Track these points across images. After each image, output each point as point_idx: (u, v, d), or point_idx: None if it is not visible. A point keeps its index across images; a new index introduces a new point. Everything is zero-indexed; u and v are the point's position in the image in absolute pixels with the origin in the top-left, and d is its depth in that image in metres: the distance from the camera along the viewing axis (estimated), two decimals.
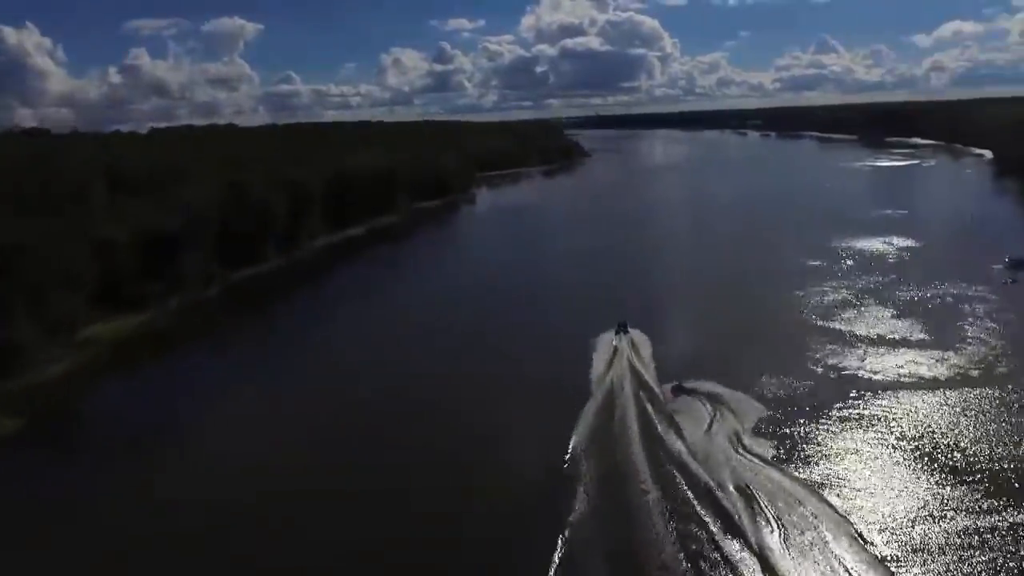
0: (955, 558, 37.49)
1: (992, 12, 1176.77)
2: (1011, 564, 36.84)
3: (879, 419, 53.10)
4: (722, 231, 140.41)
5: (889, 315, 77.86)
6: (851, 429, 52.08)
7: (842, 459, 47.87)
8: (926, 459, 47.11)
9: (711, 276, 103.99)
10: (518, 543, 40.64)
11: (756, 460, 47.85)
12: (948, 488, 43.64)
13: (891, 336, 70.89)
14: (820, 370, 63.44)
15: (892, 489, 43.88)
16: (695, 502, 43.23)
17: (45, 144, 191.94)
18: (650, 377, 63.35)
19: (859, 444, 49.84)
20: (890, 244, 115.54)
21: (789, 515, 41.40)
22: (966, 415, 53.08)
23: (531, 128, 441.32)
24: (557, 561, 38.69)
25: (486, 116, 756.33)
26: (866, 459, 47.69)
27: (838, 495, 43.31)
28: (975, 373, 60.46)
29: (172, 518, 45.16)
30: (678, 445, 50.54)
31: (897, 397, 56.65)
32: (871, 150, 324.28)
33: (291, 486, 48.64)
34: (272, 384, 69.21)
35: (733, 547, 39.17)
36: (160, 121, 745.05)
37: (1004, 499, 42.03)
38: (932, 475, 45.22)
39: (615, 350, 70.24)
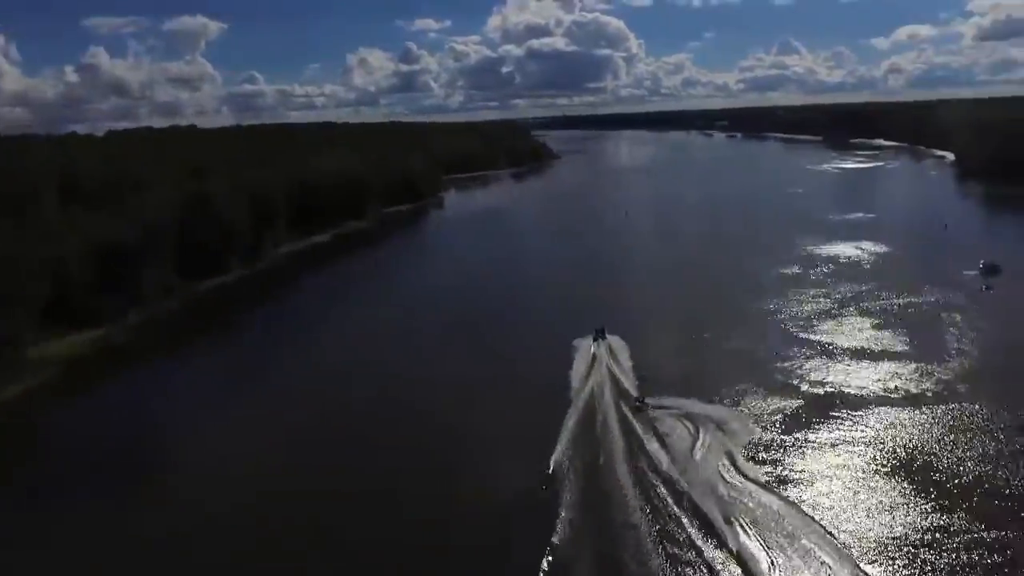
0: None
1: (947, 16, 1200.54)
2: None
3: (860, 439, 51.66)
4: (695, 236, 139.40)
5: (868, 325, 76.89)
6: (830, 449, 50.60)
7: (826, 480, 46.30)
8: (908, 480, 45.73)
9: (685, 283, 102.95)
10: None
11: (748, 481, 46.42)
12: (944, 515, 42.19)
13: (871, 348, 69.80)
14: (797, 383, 61.97)
15: (862, 500, 42.47)
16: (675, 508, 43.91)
17: None
18: (630, 385, 63.28)
19: (838, 465, 48.36)
20: (862, 249, 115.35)
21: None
22: (959, 433, 51.74)
23: (498, 129, 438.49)
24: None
25: (452, 116, 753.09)
26: (843, 477, 46.24)
27: (816, 508, 41.80)
28: (962, 388, 59.28)
29: (135, 551, 42.15)
30: (661, 456, 50.07)
31: (881, 414, 55.31)
32: (836, 151, 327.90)
33: (258, 513, 46.15)
34: (235, 402, 66.23)
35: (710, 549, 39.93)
36: (120, 121, 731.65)
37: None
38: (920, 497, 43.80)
39: (594, 357, 69.93)
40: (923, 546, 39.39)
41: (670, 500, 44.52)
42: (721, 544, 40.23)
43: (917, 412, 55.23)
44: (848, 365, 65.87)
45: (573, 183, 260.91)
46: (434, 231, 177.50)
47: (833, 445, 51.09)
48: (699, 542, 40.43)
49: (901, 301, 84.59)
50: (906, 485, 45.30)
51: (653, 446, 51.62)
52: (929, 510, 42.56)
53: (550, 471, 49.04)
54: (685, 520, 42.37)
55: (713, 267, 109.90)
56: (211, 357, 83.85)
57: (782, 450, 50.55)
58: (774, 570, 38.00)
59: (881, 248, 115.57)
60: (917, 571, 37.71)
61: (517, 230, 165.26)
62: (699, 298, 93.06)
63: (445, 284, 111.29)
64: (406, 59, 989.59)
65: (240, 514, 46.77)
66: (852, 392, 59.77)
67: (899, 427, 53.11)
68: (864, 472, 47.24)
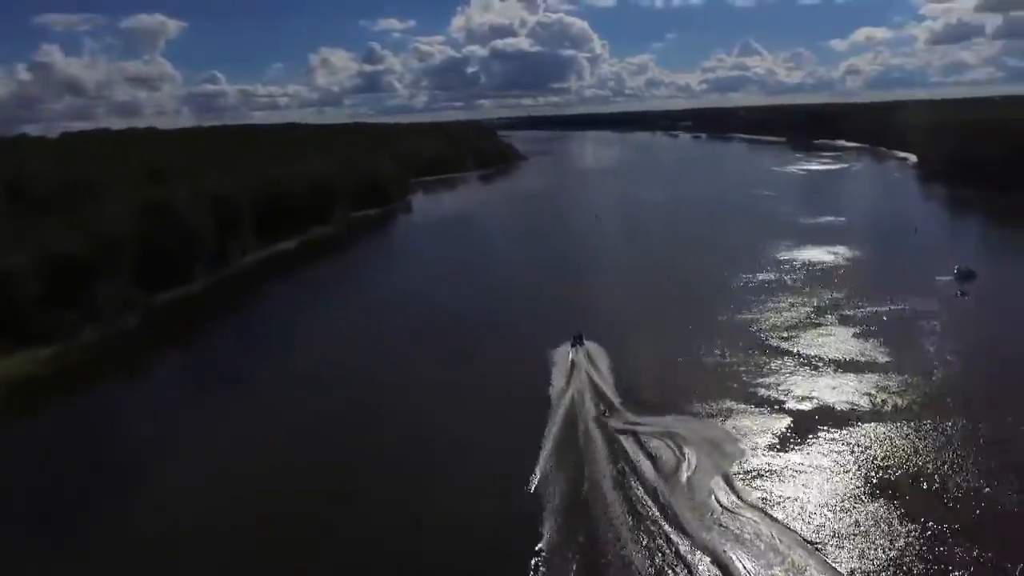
0: None
1: (902, 19, 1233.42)
2: None
3: (843, 458, 50.35)
4: (666, 240, 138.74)
5: (846, 334, 75.71)
6: (813, 470, 49.18)
7: (816, 504, 44.84)
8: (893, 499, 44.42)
9: (659, 289, 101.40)
10: None
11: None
12: (947, 540, 40.89)
13: (850, 358, 68.58)
14: (775, 396, 60.58)
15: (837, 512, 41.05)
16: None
17: None
18: (611, 393, 62.87)
19: (823, 487, 46.95)
20: (834, 254, 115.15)
21: None
22: (951, 449, 50.61)
23: (465, 130, 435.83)
24: None
25: (417, 117, 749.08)
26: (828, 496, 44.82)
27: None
28: (949, 400, 58.24)
29: None
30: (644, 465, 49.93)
31: (864, 430, 53.87)
32: (799, 152, 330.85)
33: (219, 548, 43.06)
34: (197, 422, 63.08)
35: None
36: (76, 121, 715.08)
37: None
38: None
39: (572, 364, 69.62)
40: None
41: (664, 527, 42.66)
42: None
43: (902, 427, 54.00)
44: (827, 377, 64.61)
45: (541, 185, 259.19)
46: (403, 236, 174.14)
47: (818, 466, 49.51)
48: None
49: (877, 308, 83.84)
50: (895, 506, 43.89)
51: (641, 461, 50.41)
52: (927, 535, 41.21)
53: (531, 490, 47.74)
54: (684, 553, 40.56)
55: (686, 272, 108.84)
56: (172, 374, 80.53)
57: (770, 471, 48.94)
58: None
59: (853, 252, 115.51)
60: None
61: (487, 234, 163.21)
62: (674, 304, 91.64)
63: (416, 290, 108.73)
64: (370, 59, 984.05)
65: (201, 547, 43.79)
66: (833, 406, 58.42)
67: (885, 444, 51.78)
68: (851, 494, 45.74)
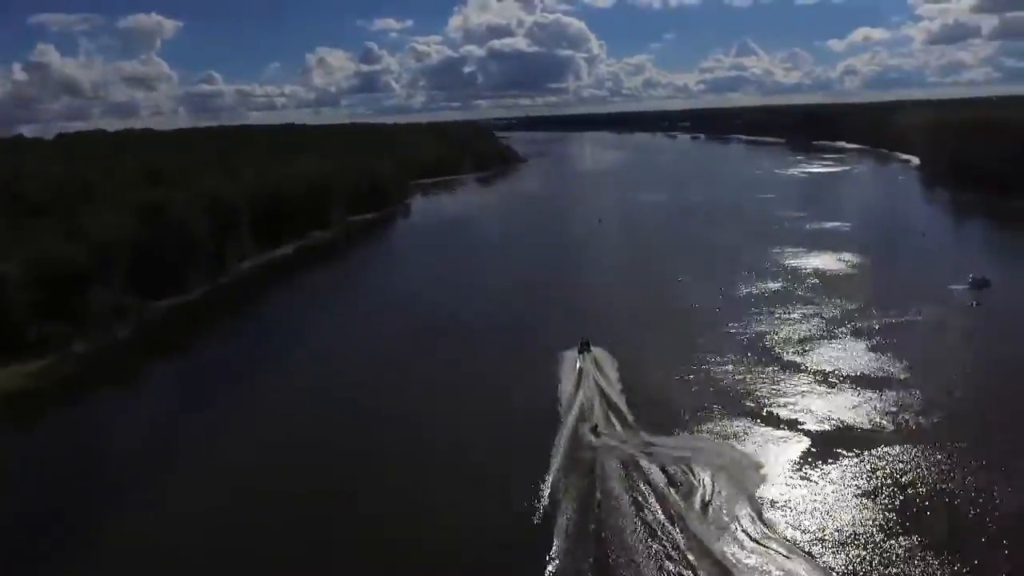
0: None
1: (899, 20, 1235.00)
2: None
3: (869, 483, 48.22)
4: (671, 246, 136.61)
5: (861, 347, 73.74)
6: (841, 500, 47.04)
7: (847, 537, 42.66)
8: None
9: (666, 296, 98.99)
10: None
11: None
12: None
13: (868, 374, 66.50)
14: (792, 415, 58.26)
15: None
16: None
17: None
18: (618, 399, 62.48)
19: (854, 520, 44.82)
20: (843, 261, 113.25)
21: None
22: (980, 474, 48.44)
23: (463, 129, 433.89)
24: None
25: (415, 117, 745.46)
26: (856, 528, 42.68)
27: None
28: (976, 421, 56.18)
29: None
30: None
31: (889, 453, 51.73)
32: (800, 154, 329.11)
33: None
34: (190, 439, 60.94)
35: None
36: (73, 121, 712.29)
37: None
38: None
39: (580, 371, 68.74)
40: None
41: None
42: None
43: (928, 451, 51.80)
44: (845, 394, 62.58)
45: (542, 189, 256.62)
46: (403, 241, 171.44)
47: (844, 495, 47.22)
48: None
49: (891, 320, 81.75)
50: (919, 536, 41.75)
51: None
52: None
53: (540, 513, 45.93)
54: None
55: (693, 279, 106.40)
56: (168, 386, 77.88)
57: (795, 501, 46.79)
58: None
59: (862, 259, 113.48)
60: None
61: (489, 240, 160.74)
62: (681, 313, 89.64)
63: (418, 298, 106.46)
64: (367, 59, 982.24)
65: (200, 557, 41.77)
66: (853, 426, 56.49)
67: (912, 470, 49.54)
68: (881, 526, 43.54)
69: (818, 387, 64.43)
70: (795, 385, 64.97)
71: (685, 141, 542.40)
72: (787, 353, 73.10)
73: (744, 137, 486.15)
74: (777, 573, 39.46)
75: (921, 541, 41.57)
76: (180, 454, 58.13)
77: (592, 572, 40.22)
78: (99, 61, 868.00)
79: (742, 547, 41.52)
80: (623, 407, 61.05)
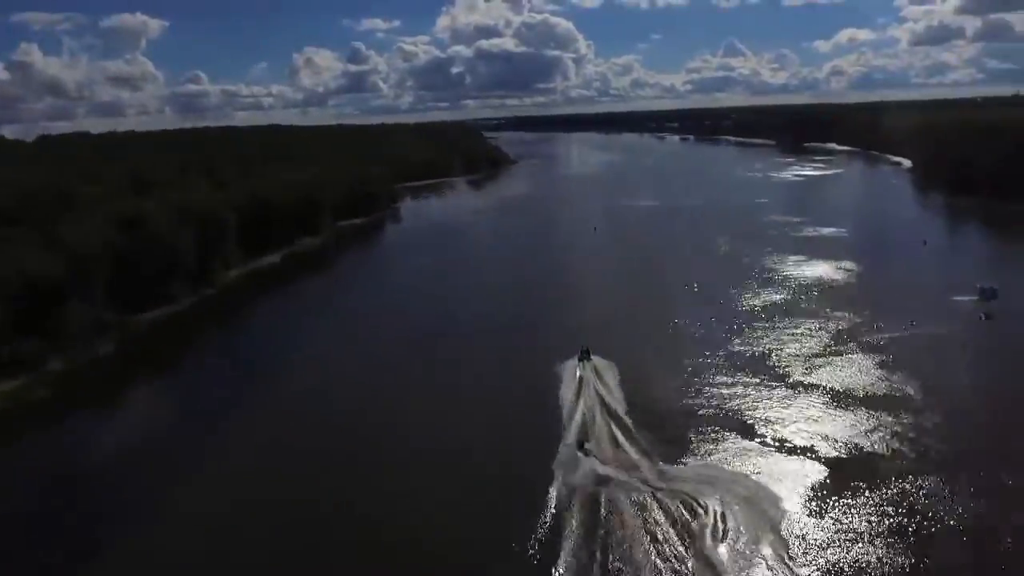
0: None
1: (884, 21, 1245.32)
2: None
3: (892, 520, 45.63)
4: (669, 254, 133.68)
5: (872, 364, 71.16)
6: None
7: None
8: None
9: (666, 305, 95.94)
10: None
11: None
12: None
13: (881, 394, 64.00)
14: (804, 439, 55.61)
15: None
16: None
17: None
18: (620, 408, 61.99)
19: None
20: (844, 270, 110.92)
21: None
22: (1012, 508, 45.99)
23: (451, 129, 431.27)
24: None
25: (402, 117, 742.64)
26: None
27: None
28: (1000, 448, 53.57)
29: None
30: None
31: (911, 484, 49.05)
32: (791, 156, 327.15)
33: None
34: (170, 465, 57.78)
35: None
36: (57, 120, 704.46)
37: None
38: None
39: (580, 380, 67.56)
40: None
41: None
42: None
43: (955, 481, 49.30)
44: (858, 417, 59.88)
45: (534, 192, 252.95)
46: (393, 248, 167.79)
47: (868, 532, 44.61)
48: None
49: (899, 334, 79.11)
50: None
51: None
52: None
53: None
54: None
55: (693, 289, 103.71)
56: (148, 406, 74.11)
57: (819, 540, 44.08)
58: None
59: (863, 268, 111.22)
60: None
61: (482, 247, 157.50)
62: (682, 322, 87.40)
63: (412, 308, 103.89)
64: (354, 59, 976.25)
65: None
66: (871, 452, 54.08)
67: (937, 502, 46.92)
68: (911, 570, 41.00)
69: (829, 408, 61.89)
70: (804, 408, 62.32)
71: (674, 142, 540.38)
72: (794, 371, 70.48)
73: (733, 138, 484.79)
74: None
75: None
76: (163, 477, 55.40)
77: None
78: (83, 60, 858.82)
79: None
80: (626, 419, 59.92)
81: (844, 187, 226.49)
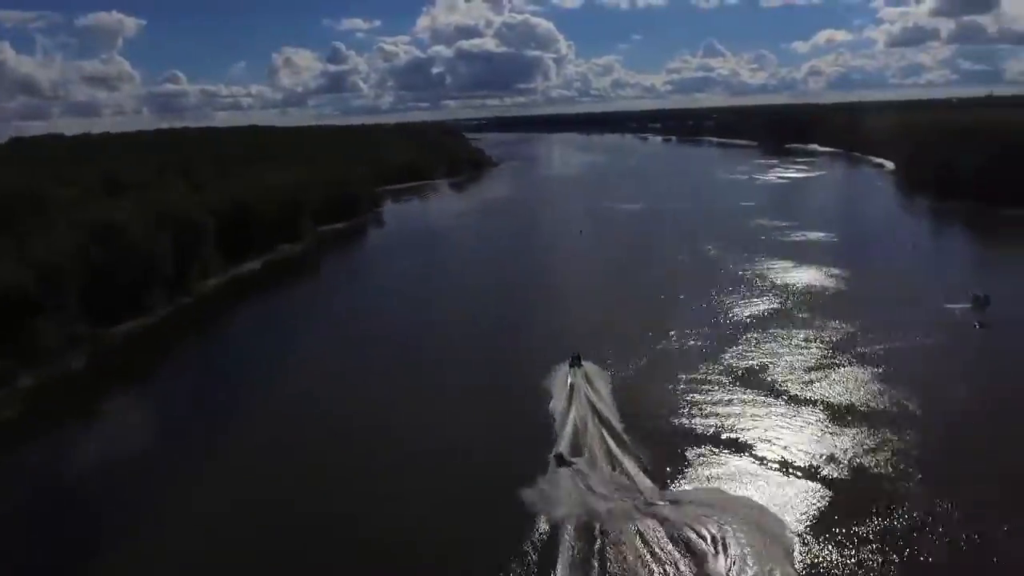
0: None
1: (861, 23, 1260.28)
2: None
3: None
4: (655, 258, 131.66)
5: (869, 377, 69.60)
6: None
7: None
8: None
9: (655, 311, 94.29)
10: None
11: None
12: None
13: (881, 410, 62.46)
14: (806, 460, 54.04)
15: None
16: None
17: None
18: (611, 415, 61.83)
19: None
20: (833, 276, 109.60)
21: None
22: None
23: (434, 133, 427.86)
24: None
25: (383, 118, 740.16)
26: None
27: None
28: (1013, 470, 52.14)
29: None
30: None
31: (927, 511, 47.36)
32: (773, 158, 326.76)
33: None
34: (147, 487, 55.37)
35: None
36: (31, 120, 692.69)
37: None
38: None
39: (572, 387, 66.77)
40: None
41: None
42: None
43: (963, 502, 47.74)
44: (860, 434, 58.18)
45: (517, 195, 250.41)
46: (376, 253, 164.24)
47: (888, 562, 42.99)
48: None
49: (893, 345, 77.61)
50: None
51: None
52: None
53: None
54: None
55: (681, 295, 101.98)
56: (121, 422, 70.32)
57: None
58: None
59: (852, 274, 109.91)
60: None
61: (467, 251, 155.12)
62: (673, 335, 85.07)
63: (396, 316, 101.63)
64: (334, 59, 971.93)
65: None
66: (877, 473, 52.47)
67: (958, 533, 45.02)
68: None
69: (830, 425, 60.26)
70: (806, 423, 60.82)
71: (657, 143, 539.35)
72: (789, 384, 68.87)
73: (715, 140, 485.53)
74: None
75: None
76: (136, 500, 53.16)
77: None
78: (58, 59, 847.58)
79: None
80: (619, 428, 59.67)
81: (829, 190, 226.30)
